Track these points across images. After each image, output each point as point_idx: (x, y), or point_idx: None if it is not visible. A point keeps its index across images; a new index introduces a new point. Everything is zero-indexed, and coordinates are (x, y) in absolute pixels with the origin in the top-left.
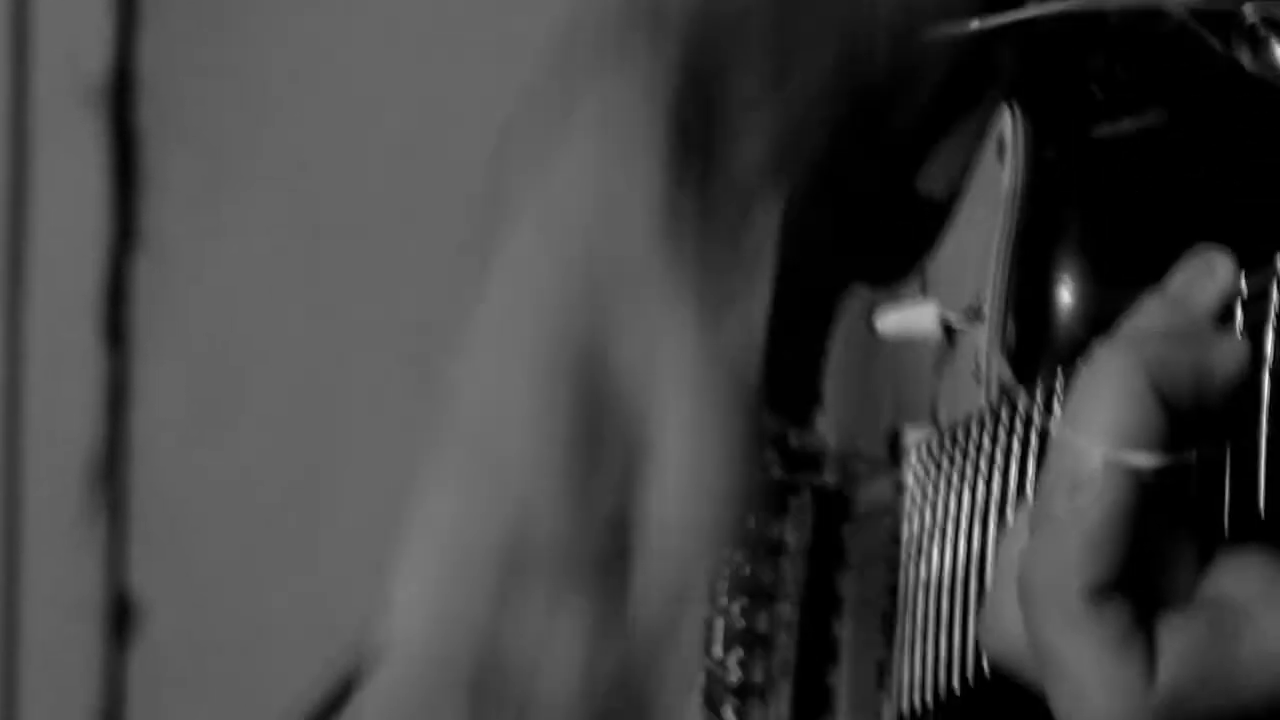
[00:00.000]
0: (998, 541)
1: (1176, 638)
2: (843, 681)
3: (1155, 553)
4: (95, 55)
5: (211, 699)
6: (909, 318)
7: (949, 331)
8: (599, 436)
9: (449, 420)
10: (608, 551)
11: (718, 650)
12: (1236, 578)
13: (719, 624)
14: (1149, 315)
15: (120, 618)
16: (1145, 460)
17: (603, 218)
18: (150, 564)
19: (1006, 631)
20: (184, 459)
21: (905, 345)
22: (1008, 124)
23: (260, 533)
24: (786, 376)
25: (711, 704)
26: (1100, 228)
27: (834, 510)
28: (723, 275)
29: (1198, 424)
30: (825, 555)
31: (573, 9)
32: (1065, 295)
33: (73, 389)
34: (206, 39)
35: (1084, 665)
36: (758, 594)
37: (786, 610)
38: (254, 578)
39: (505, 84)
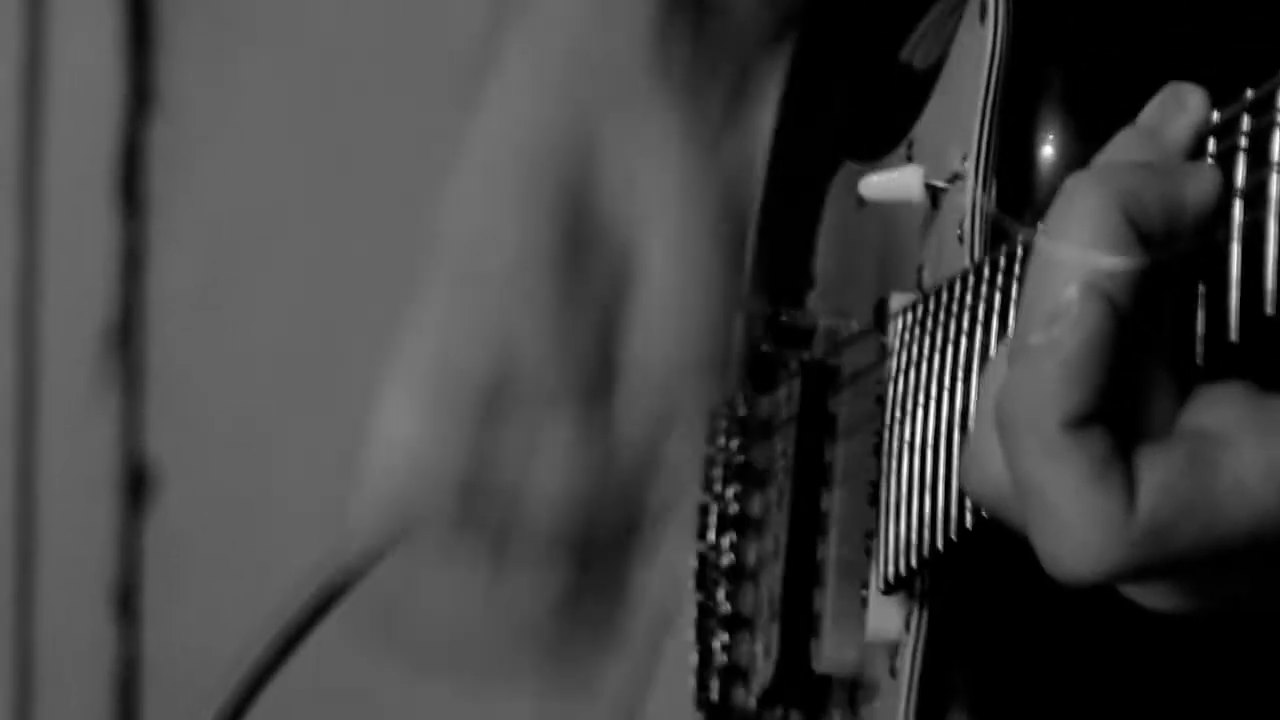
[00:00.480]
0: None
1: (1156, 467)
2: (831, 554)
3: (1133, 385)
4: None
5: (227, 566)
6: (893, 180)
7: (934, 195)
8: (583, 256)
9: (435, 248)
10: (592, 374)
11: (711, 535)
12: (1214, 409)
13: (713, 510)
14: (1121, 148)
15: (136, 485)
16: (1120, 268)
17: (592, 33)
18: (166, 432)
19: (987, 472)
20: (199, 325)
21: (892, 215)
22: None
23: (275, 399)
24: (779, 259)
25: (703, 586)
26: (1082, 82)
27: (822, 380)
28: (715, 100)
29: (1171, 254)
30: (813, 425)
31: None
32: (1048, 150)
33: (88, 255)
34: None
35: (1063, 495)
36: (750, 478)
37: (778, 488)
38: (269, 445)
39: None
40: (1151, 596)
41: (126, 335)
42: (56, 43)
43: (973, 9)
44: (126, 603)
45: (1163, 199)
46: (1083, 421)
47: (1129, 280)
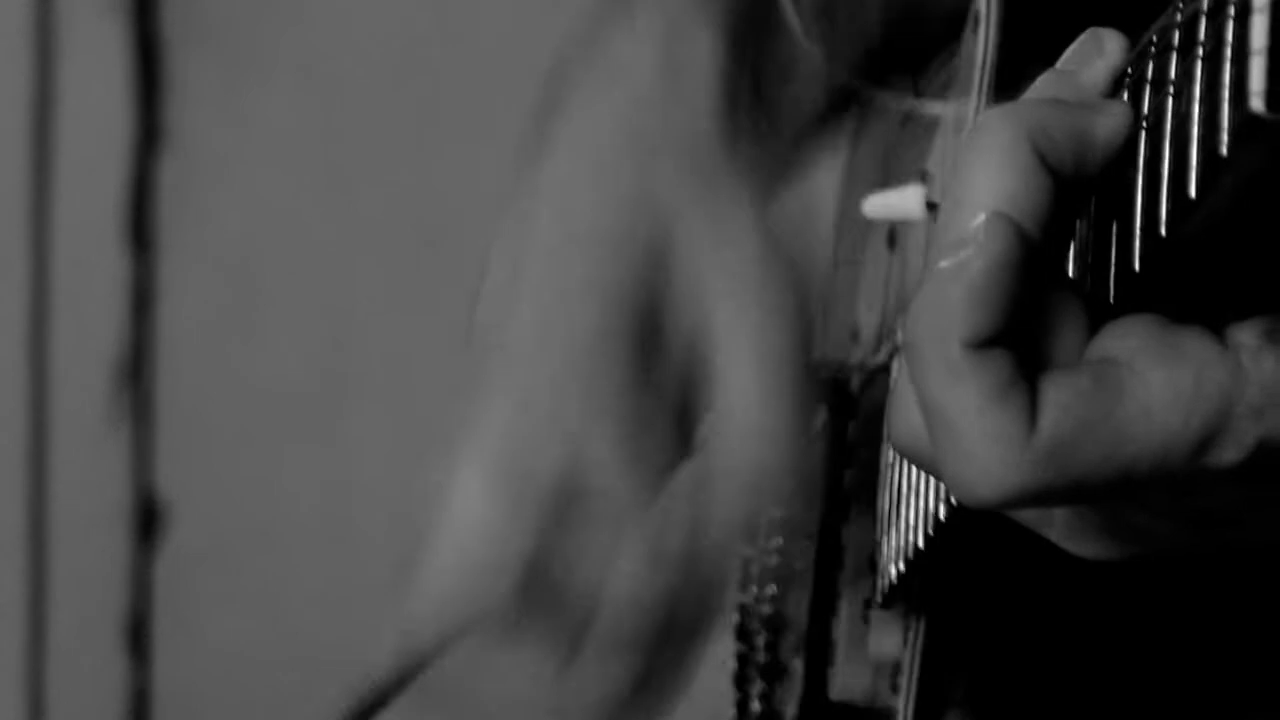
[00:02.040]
0: None
1: (1060, 390)
2: (845, 580)
3: (1040, 314)
4: None
5: (237, 600)
6: (894, 199)
7: (934, 212)
8: (655, 355)
9: (501, 328)
10: (666, 479)
11: (754, 588)
12: (1122, 339)
13: (755, 562)
14: (1039, 90)
15: (147, 520)
16: (1028, 196)
17: (659, 106)
18: (176, 467)
19: (909, 419)
20: (209, 361)
21: (911, 247)
22: None
23: (285, 434)
24: (832, 323)
25: (744, 638)
26: None
27: (844, 414)
28: (773, 170)
29: (1082, 188)
30: (836, 458)
31: None
32: None
33: (98, 292)
34: None
35: (964, 415)
36: (791, 530)
37: (811, 527)
38: (278, 479)
39: None
40: (1069, 535)
41: (136, 371)
42: (66, 80)
43: (969, 22)
44: (137, 635)
45: (1071, 132)
46: (986, 343)
47: (1037, 210)
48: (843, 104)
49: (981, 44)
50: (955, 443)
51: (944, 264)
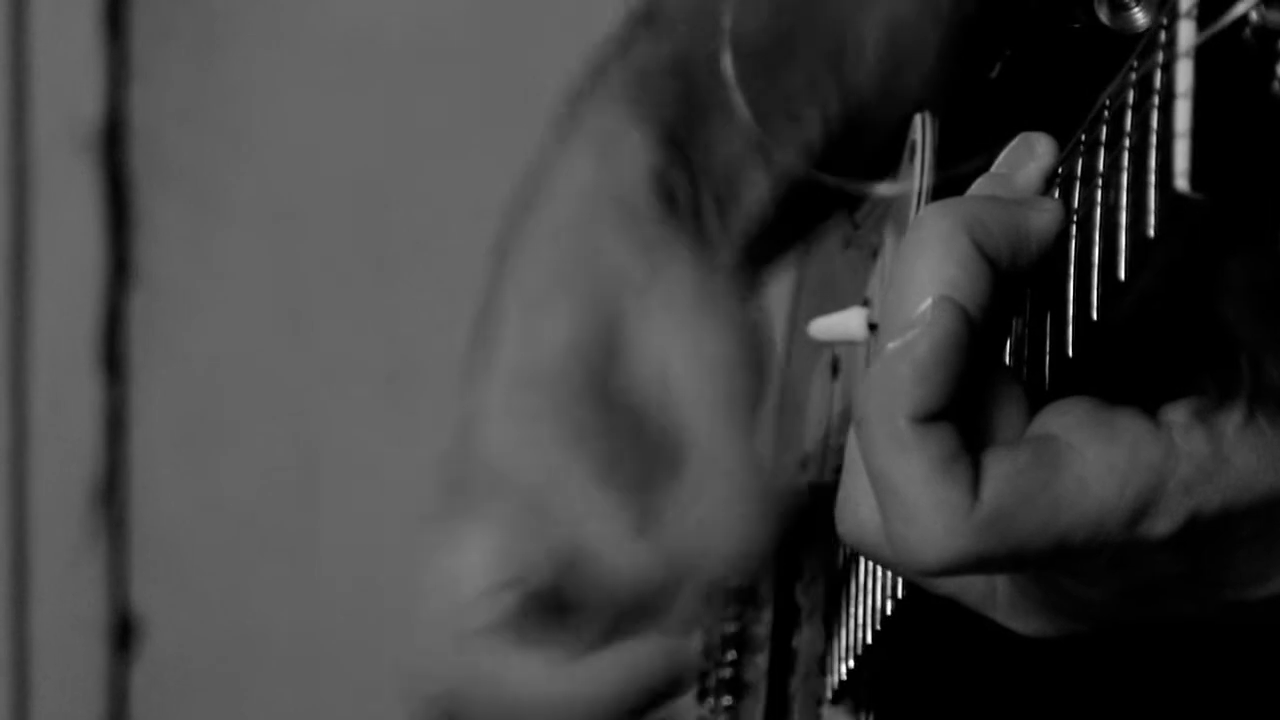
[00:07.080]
0: None
1: (1001, 463)
2: (797, 683)
3: (983, 394)
4: (89, 105)
5: (211, 710)
6: (838, 321)
7: (876, 333)
8: (619, 403)
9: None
10: (647, 503)
11: (710, 700)
12: (1061, 418)
13: (712, 675)
14: (975, 190)
15: (123, 634)
16: (968, 283)
17: (599, 192)
18: (150, 582)
19: (858, 514)
20: (180, 482)
21: (853, 368)
22: (918, 127)
23: (254, 550)
24: (783, 441)
25: None
26: None
27: (795, 531)
28: (718, 249)
29: (1019, 279)
30: (787, 572)
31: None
32: None
33: (74, 417)
34: (194, 89)
35: (910, 485)
36: (746, 645)
37: (764, 639)
38: (249, 593)
39: (477, 128)
40: (1012, 612)
41: (111, 492)
42: (42, 220)
43: (906, 152)
44: None
45: (1007, 226)
46: (931, 417)
47: (976, 296)
48: (803, 200)
49: (918, 172)
50: (902, 512)
51: (892, 345)
